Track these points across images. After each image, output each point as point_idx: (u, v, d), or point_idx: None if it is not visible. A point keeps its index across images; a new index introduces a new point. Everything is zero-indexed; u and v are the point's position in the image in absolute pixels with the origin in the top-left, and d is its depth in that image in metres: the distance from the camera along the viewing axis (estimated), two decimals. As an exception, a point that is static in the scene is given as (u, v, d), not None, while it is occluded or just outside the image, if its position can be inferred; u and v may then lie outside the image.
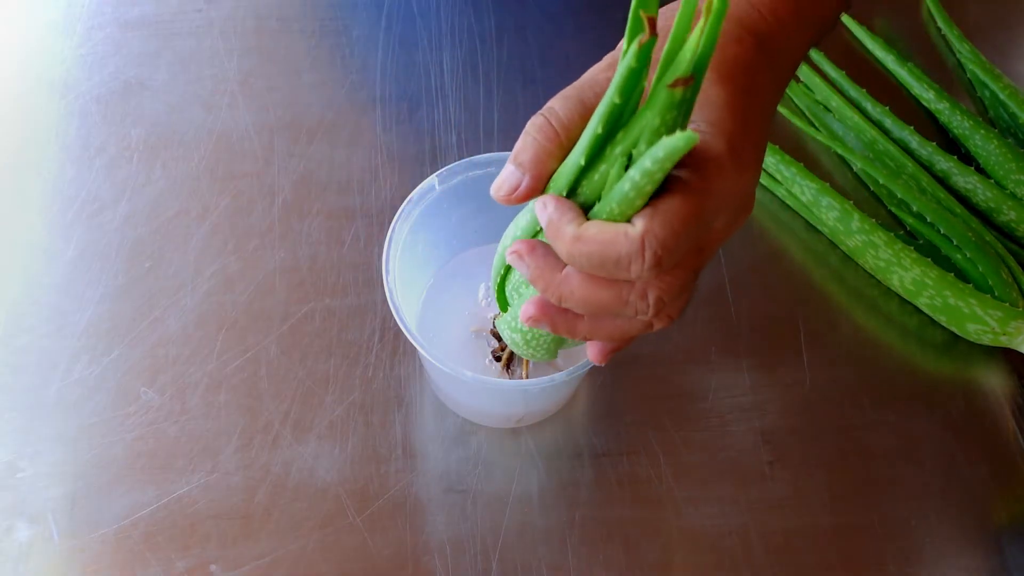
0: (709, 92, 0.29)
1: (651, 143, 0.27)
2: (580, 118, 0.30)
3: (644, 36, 0.26)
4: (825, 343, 0.51)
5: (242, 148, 0.55)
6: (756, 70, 0.31)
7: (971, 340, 0.51)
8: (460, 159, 0.42)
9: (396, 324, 0.39)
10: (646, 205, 0.28)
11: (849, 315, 0.52)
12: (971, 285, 0.50)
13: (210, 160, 0.55)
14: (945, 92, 0.58)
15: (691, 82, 0.26)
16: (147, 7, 0.60)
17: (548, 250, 0.31)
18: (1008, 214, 0.53)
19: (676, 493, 0.46)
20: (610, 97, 0.27)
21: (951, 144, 0.58)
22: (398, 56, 0.59)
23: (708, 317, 0.51)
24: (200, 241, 0.52)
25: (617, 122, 0.28)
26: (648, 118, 0.27)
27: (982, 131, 0.56)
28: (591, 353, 0.35)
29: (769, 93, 0.32)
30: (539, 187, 0.30)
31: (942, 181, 0.56)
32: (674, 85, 0.26)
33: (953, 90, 0.60)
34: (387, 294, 0.39)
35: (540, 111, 0.30)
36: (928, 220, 0.52)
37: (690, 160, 0.28)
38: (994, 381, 0.51)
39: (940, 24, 0.63)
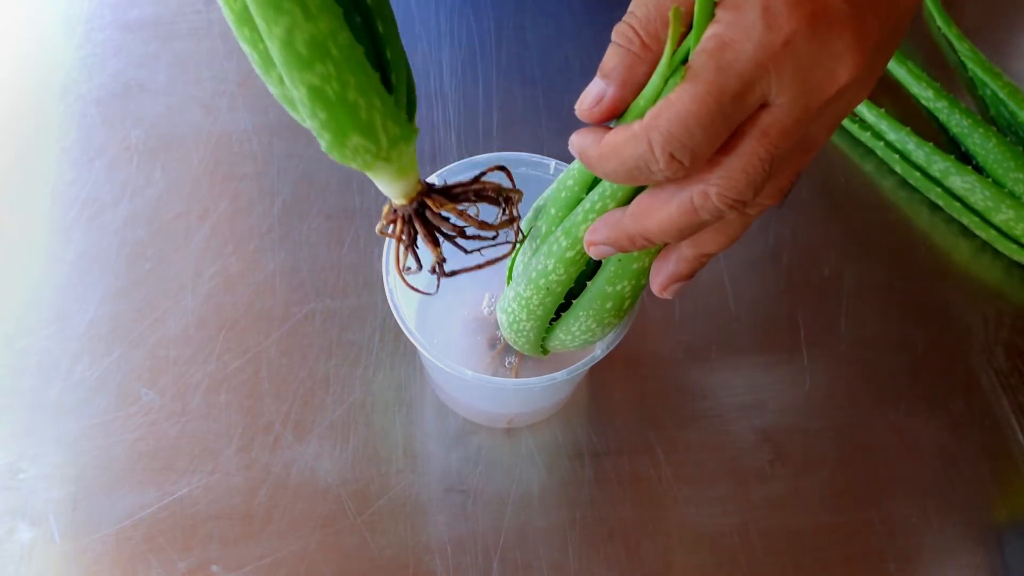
0: None
1: None
2: (662, 20, 0.28)
3: None
4: (825, 343, 0.51)
5: (242, 149, 0.55)
6: None
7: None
8: (459, 159, 0.42)
9: (396, 325, 0.39)
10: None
11: (849, 315, 0.53)
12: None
13: (210, 161, 0.55)
14: (944, 90, 0.58)
15: None
16: (146, 9, 0.60)
17: (607, 217, 0.30)
18: (1006, 212, 0.53)
19: (676, 492, 0.46)
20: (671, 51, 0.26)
21: (951, 142, 0.58)
22: (397, 57, 0.59)
23: (708, 316, 0.51)
24: (200, 242, 0.52)
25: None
26: None
27: (980, 129, 0.56)
28: (653, 283, 0.33)
29: None
30: (625, 97, 0.29)
31: (939, 182, 0.56)
32: None
33: (954, 88, 0.60)
34: (387, 294, 0.39)
35: (624, 17, 0.29)
36: None
37: (712, 26, 0.26)
38: (993, 376, 0.51)
39: (939, 23, 0.63)
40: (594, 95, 0.29)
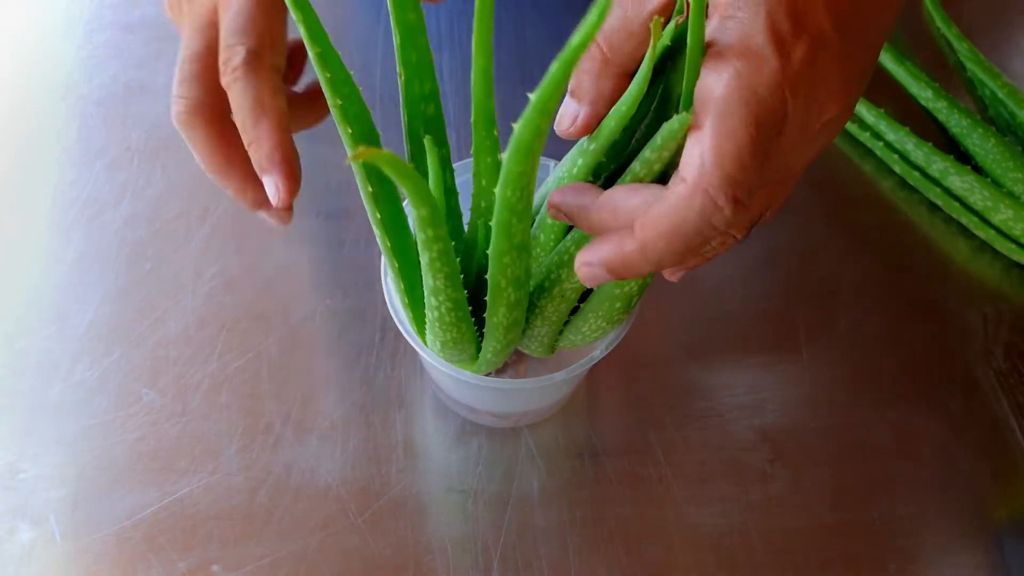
0: None
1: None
2: (625, 32, 0.27)
3: (681, 17, 0.26)
4: (825, 342, 0.51)
5: (242, 150, 0.55)
6: None
7: None
8: (460, 160, 0.42)
9: (396, 325, 0.39)
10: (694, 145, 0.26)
11: (848, 315, 0.53)
12: None
13: (210, 162, 0.55)
14: (943, 91, 0.59)
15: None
16: (147, 9, 0.60)
17: (578, 186, 0.29)
18: (1005, 212, 0.54)
19: (676, 492, 0.46)
20: (644, 74, 0.26)
21: (950, 142, 0.59)
22: (397, 57, 0.59)
23: (708, 315, 0.51)
24: (201, 242, 0.52)
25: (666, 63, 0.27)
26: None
27: (980, 129, 0.56)
28: (667, 271, 0.32)
29: None
30: (598, 112, 0.29)
31: (938, 182, 0.56)
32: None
33: (954, 88, 0.60)
34: (386, 296, 0.39)
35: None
36: None
37: (715, 62, 0.25)
38: (992, 376, 0.51)
39: (939, 23, 0.63)
40: (569, 115, 0.29)
